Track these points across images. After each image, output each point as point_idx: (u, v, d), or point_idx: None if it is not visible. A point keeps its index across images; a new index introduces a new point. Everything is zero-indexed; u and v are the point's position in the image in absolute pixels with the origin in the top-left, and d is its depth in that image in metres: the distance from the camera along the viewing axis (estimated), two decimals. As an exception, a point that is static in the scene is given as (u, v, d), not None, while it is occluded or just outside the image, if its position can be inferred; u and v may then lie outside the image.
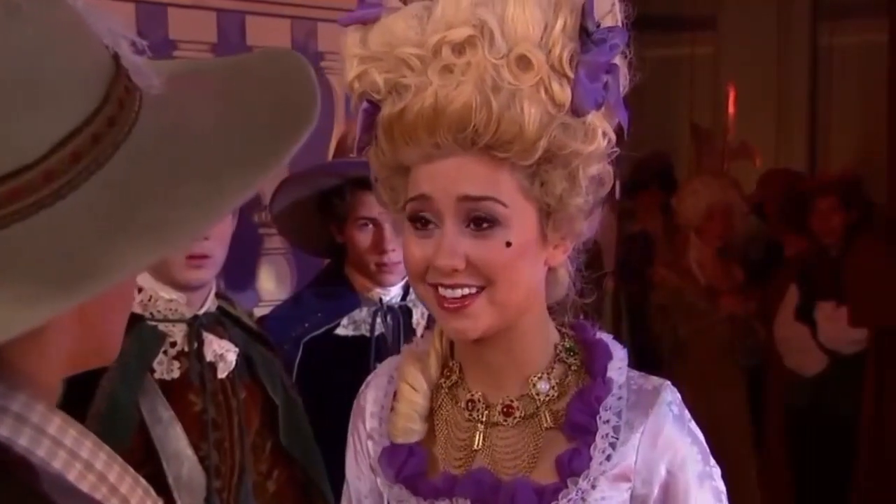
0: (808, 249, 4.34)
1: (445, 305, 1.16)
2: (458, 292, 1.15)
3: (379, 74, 1.14)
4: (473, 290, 1.15)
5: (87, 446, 0.74)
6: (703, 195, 4.29)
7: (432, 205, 1.15)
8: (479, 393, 1.25)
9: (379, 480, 1.31)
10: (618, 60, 1.18)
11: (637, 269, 4.82)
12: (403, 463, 1.24)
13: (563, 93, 1.12)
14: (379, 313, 2.29)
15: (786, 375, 4.24)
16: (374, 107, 1.17)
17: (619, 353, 1.25)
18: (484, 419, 1.24)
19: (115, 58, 0.74)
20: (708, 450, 1.24)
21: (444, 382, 1.29)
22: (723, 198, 4.30)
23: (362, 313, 2.30)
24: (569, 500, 1.17)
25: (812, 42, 6.36)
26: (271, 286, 2.68)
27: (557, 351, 1.26)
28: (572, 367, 1.25)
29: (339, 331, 2.29)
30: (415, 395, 1.26)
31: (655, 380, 1.25)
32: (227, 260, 2.04)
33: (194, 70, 0.86)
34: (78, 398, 1.83)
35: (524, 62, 1.11)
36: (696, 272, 4.36)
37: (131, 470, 0.77)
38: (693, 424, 1.23)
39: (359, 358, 2.19)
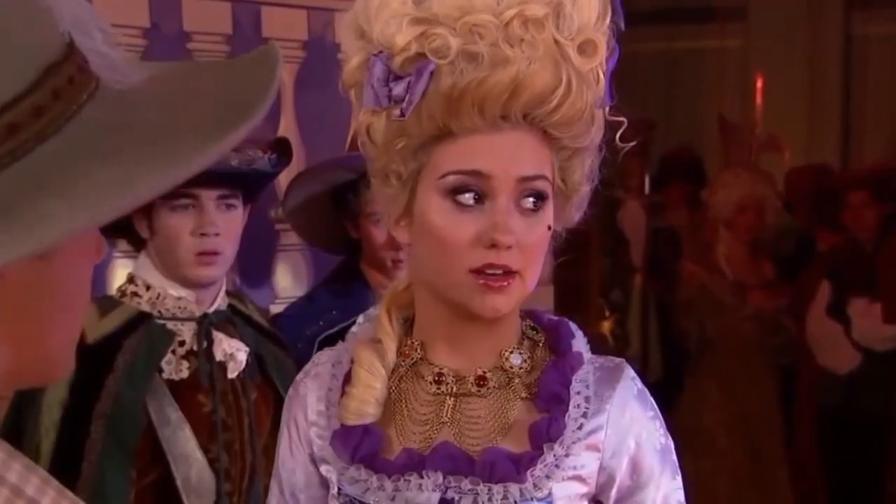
0: (840, 244, 4.27)
1: (491, 283, 1.15)
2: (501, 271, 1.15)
3: (453, 38, 1.11)
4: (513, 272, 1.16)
5: (17, 469, 0.69)
6: (735, 188, 4.24)
7: (487, 181, 1.14)
8: (448, 367, 1.24)
9: (323, 468, 1.27)
10: None
11: (665, 264, 4.77)
12: (359, 442, 1.21)
13: (603, 82, 1.16)
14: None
15: (818, 373, 4.18)
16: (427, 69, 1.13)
17: (580, 334, 1.28)
18: (454, 391, 1.23)
19: (69, 45, 0.70)
20: (664, 422, 1.27)
21: (403, 362, 1.26)
22: (755, 191, 4.25)
23: (378, 310, 2.24)
24: (545, 465, 1.18)
25: (845, 32, 6.26)
26: (287, 283, 2.64)
27: (524, 329, 1.28)
28: (539, 344, 1.27)
29: (355, 328, 2.23)
30: (372, 380, 1.24)
31: (615, 359, 1.28)
32: (242, 256, 2.00)
33: (184, 70, 0.84)
34: (84, 398, 1.81)
35: (591, 47, 1.13)
36: (725, 267, 4.30)
37: (68, 493, 0.71)
38: (652, 400, 1.27)
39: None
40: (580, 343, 1.26)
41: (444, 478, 1.18)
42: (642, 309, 5.21)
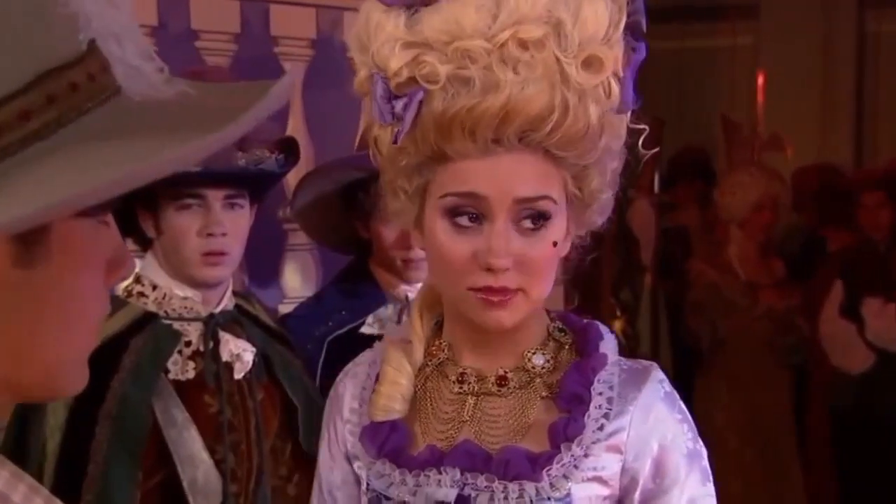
0: (854, 244, 4.25)
1: (490, 299, 1.15)
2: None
3: (441, 64, 1.11)
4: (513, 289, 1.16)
5: (4, 477, 0.67)
6: (752, 188, 4.22)
7: (483, 203, 1.14)
8: (472, 367, 1.26)
9: (356, 465, 1.30)
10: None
11: (675, 264, 4.74)
12: (386, 437, 1.24)
13: (616, 92, 1.14)
14: (405, 311, 2.22)
15: (831, 373, 4.15)
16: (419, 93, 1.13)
17: (610, 337, 1.27)
18: (475, 391, 1.24)
19: (83, 53, 0.70)
20: (695, 429, 1.25)
21: (430, 362, 1.29)
22: (771, 190, 4.22)
23: (388, 311, 2.23)
24: (562, 465, 1.17)
25: (858, 30, 6.21)
26: (296, 283, 2.62)
27: (550, 331, 1.28)
28: (565, 346, 1.27)
29: (364, 329, 2.22)
30: (399, 377, 1.27)
31: (644, 362, 1.27)
32: (250, 256, 1.99)
33: (217, 89, 0.83)
34: (89, 399, 1.80)
35: (596, 63, 1.12)
36: (737, 267, 4.28)
37: (57, 502, 0.70)
38: (682, 404, 1.25)
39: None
40: (608, 345, 1.25)
41: (462, 474, 1.19)
42: (652, 309, 5.19)
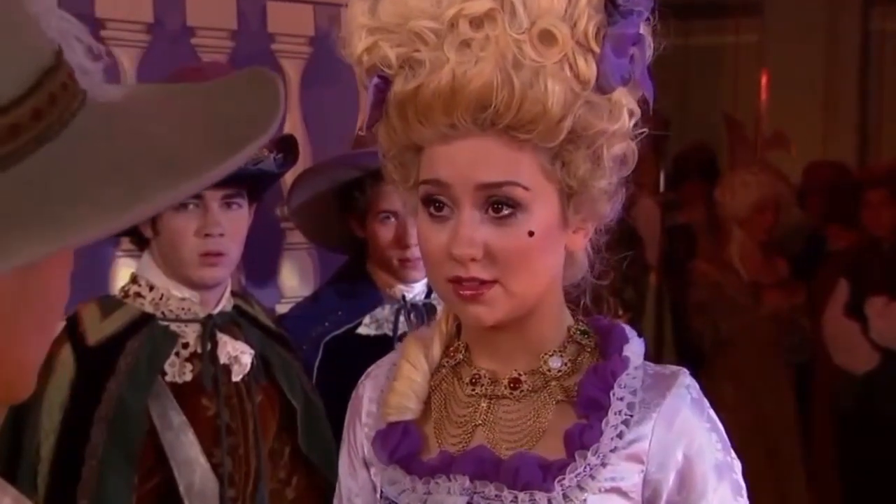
0: (858, 242, 4.22)
1: (461, 292, 1.11)
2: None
3: (391, 48, 1.08)
4: (488, 281, 1.11)
5: None
6: (755, 188, 4.19)
7: (448, 190, 1.10)
8: (486, 369, 1.20)
9: (372, 471, 1.26)
10: (642, 28, 1.11)
11: (680, 263, 4.71)
12: (398, 443, 1.19)
13: (589, 69, 1.06)
14: (402, 311, 2.20)
15: (834, 373, 4.13)
16: (385, 82, 1.10)
17: (636, 341, 1.20)
18: (488, 393, 1.19)
19: (59, 52, 0.68)
20: (728, 441, 1.17)
21: (447, 362, 1.24)
22: (773, 190, 4.19)
23: (385, 311, 2.21)
24: (576, 475, 1.11)
25: (863, 27, 6.18)
26: (294, 282, 2.59)
27: (571, 332, 1.21)
28: (587, 349, 1.20)
29: (361, 330, 2.20)
30: (414, 373, 1.22)
31: (672, 367, 1.19)
32: (247, 255, 1.96)
33: (163, 91, 0.81)
34: (85, 401, 1.77)
35: (548, 37, 1.05)
36: (739, 266, 4.25)
37: None
38: (712, 412, 1.17)
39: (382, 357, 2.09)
40: (633, 349, 1.18)
41: (472, 482, 1.14)
42: (657, 308, 5.16)
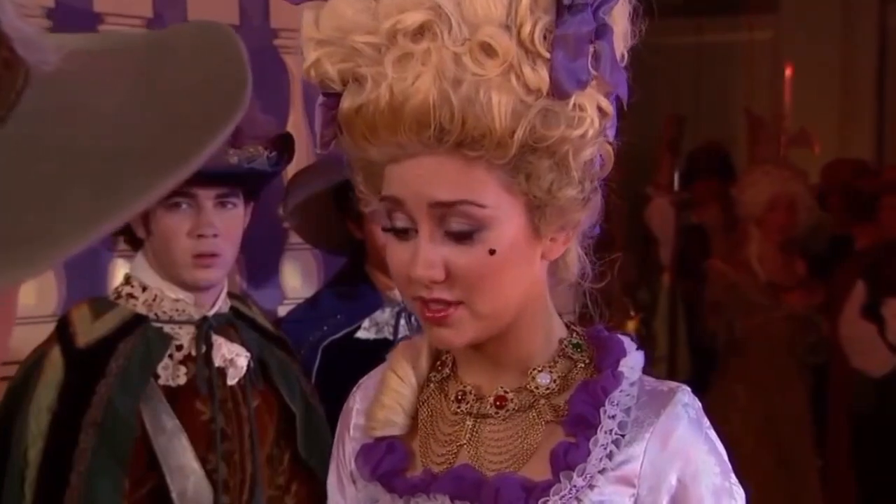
0: (877, 243, 4.17)
1: (427, 314, 1.06)
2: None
3: (333, 64, 1.02)
4: (453, 303, 1.05)
5: None
6: (764, 186, 4.12)
7: (404, 208, 1.04)
8: (472, 385, 1.15)
9: (357, 486, 1.21)
10: (617, 17, 1.04)
11: (694, 263, 4.65)
12: (381, 459, 1.15)
13: (538, 76, 0.99)
14: (402, 314, 2.15)
15: (851, 376, 4.09)
16: (334, 98, 1.04)
17: (635, 354, 1.13)
18: (474, 411, 1.13)
19: None
20: (730, 466, 1.10)
21: (434, 376, 1.19)
22: (786, 189, 4.12)
23: (385, 314, 2.16)
24: (561, 498, 1.05)
25: (880, 23, 6.11)
26: (296, 283, 2.55)
27: (563, 346, 1.14)
28: (579, 364, 1.14)
29: (361, 333, 2.15)
30: (402, 387, 1.17)
31: (672, 383, 1.13)
32: (248, 255, 1.91)
33: (108, 47, 0.72)
34: (74, 404, 1.73)
35: (487, 49, 0.98)
36: (756, 266, 4.19)
37: None
38: (713, 434, 1.10)
39: (382, 362, 2.04)
40: (629, 363, 1.11)
41: (452, 502, 1.09)
42: (671, 308, 5.10)
